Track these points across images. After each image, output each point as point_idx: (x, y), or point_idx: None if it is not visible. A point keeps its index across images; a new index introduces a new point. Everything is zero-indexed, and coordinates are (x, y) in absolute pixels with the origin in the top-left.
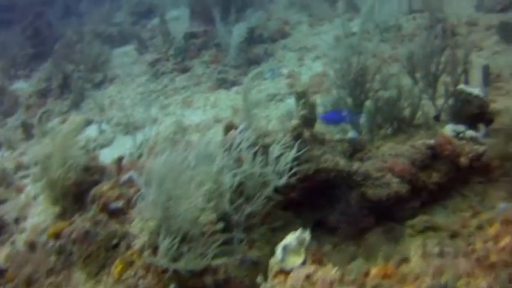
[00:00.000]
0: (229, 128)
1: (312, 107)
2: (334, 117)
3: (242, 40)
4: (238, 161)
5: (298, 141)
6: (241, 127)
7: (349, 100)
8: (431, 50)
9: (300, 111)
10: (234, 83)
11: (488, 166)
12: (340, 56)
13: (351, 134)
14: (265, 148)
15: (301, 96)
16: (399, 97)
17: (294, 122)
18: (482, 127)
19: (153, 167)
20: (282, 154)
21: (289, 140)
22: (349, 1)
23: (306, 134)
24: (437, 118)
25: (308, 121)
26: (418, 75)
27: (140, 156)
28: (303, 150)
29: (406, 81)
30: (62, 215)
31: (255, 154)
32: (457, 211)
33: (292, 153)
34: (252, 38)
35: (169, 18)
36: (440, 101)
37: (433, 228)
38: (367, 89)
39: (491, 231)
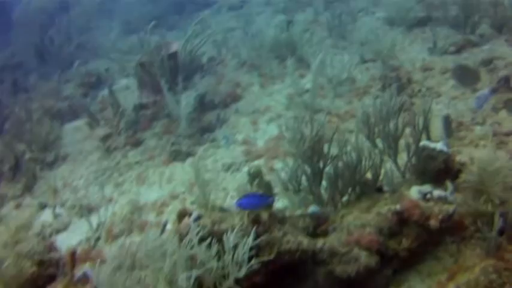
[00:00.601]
0: (182, 215)
1: (267, 186)
2: (252, 202)
3: (192, 109)
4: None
5: (256, 226)
6: (194, 214)
7: (307, 168)
8: (387, 112)
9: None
10: (188, 154)
11: (460, 224)
12: (293, 125)
13: (312, 208)
14: (222, 235)
15: (255, 176)
16: (359, 160)
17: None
18: (449, 184)
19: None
20: (238, 243)
21: (246, 225)
22: (299, 57)
23: (264, 215)
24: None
25: None
26: (377, 135)
27: (98, 239)
28: (262, 236)
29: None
30: None
31: (210, 245)
32: (432, 275)
33: (250, 241)
34: (203, 105)
35: (119, 88)
36: (402, 156)
37: None
38: (324, 155)
39: None
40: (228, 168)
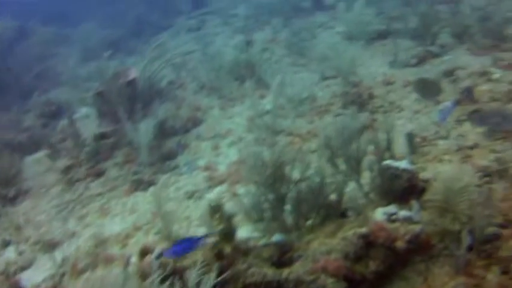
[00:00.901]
0: (144, 253)
1: (228, 219)
2: (183, 249)
3: (151, 137)
4: None
5: (219, 261)
6: (156, 251)
7: (270, 196)
8: (349, 135)
9: (216, 227)
10: (150, 183)
11: (428, 243)
12: (253, 152)
13: (277, 236)
14: (184, 271)
15: (215, 210)
16: (322, 183)
17: (212, 240)
18: (415, 204)
19: None
20: (202, 280)
21: (209, 260)
22: (259, 78)
23: (227, 249)
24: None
25: (227, 235)
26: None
27: (63, 275)
28: (226, 271)
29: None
30: None
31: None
32: None
33: (213, 277)
34: (164, 131)
35: (80, 116)
36: (367, 175)
37: None
38: (287, 180)
39: None
40: (190, 195)
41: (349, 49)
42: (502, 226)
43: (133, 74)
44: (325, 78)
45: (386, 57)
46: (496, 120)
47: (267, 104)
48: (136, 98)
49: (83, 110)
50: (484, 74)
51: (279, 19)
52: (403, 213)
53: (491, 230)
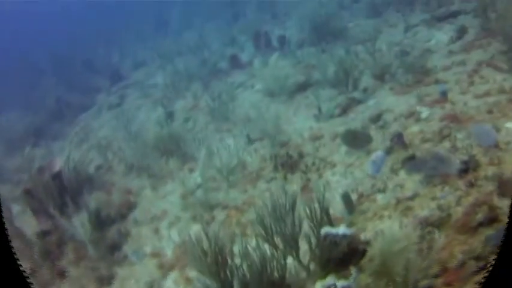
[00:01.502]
0: None
1: None
2: None
3: (91, 231)
4: None
5: None
6: None
7: (214, 284)
8: (281, 212)
9: None
10: (110, 278)
11: None
12: (191, 241)
13: None
14: None
15: None
16: (263, 262)
17: None
18: (353, 270)
19: None
20: None
21: None
22: (184, 152)
23: None
24: None
25: None
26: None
27: None
28: None
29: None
30: None
31: None
32: None
33: None
34: (101, 221)
35: (16, 214)
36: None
37: None
38: (229, 266)
39: None
40: (150, 286)
41: (271, 107)
42: (437, 276)
43: (57, 165)
44: (252, 142)
45: (310, 110)
46: (431, 165)
47: (198, 177)
48: (65, 190)
49: (17, 207)
50: (411, 115)
51: (198, 84)
52: (341, 284)
53: (424, 282)
